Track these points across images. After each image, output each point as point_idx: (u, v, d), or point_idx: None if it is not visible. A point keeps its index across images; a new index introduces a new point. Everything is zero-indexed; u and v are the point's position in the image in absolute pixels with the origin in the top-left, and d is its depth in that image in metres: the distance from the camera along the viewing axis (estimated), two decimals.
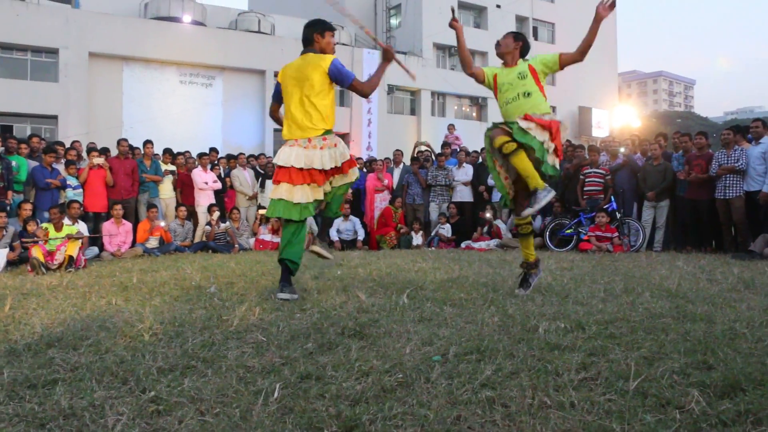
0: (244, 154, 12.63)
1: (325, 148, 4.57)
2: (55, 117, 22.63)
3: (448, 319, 3.49)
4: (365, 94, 4.68)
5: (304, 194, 4.54)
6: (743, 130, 9.40)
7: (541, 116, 4.48)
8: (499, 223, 10.95)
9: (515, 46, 4.80)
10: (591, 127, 36.20)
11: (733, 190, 8.70)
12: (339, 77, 4.58)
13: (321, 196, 4.68)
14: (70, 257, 7.84)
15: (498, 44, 4.87)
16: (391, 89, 30.06)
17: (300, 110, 4.57)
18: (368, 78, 4.74)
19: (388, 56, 4.78)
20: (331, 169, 4.62)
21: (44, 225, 8.09)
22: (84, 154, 11.01)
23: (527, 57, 4.86)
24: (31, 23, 22.20)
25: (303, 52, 4.69)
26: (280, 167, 4.57)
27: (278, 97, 4.83)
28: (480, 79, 4.83)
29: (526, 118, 4.43)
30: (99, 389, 2.35)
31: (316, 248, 4.96)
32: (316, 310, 3.83)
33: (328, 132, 4.63)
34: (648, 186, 9.70)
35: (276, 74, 5.15)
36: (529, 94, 4.60)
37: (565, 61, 4.74)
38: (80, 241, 8.16)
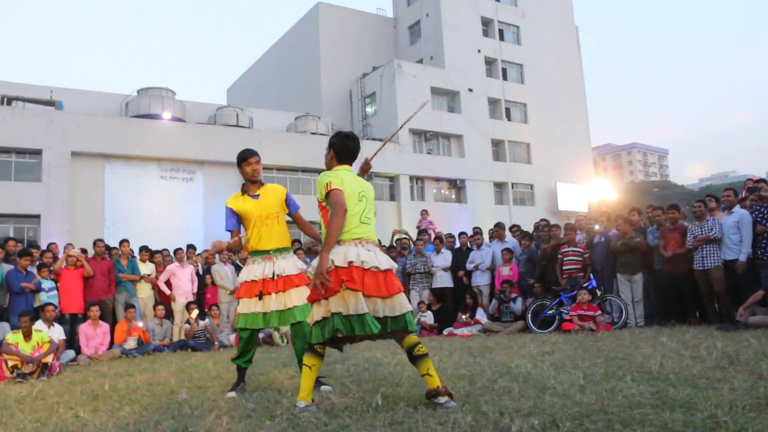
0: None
1: None
2: (37, 216, 22.67)
3: (419, 422, 3.37)
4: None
5: None
6: (716, 199, 9.52)
7: None
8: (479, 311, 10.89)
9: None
10: (557, 203, 36.56)
11: (711, 261, 8.71)
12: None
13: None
14: (44, 364, 7.65)
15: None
16: (370, 176, 30.40)
17: None
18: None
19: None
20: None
21: (9, 336, 7.89)
22: (60, 256, 10.93)
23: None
24: (16, 126, 22.67)
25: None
26: None
27: None
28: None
29: None
30: None
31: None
32: (286, 417, 3.71)
33: None
34: (621, 263, 9.78)
35: None
36: None
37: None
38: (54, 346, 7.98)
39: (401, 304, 3.91)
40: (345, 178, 4.02)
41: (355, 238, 3.92)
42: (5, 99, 24.15)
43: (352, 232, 3.92)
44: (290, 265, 5.05)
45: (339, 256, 3.83)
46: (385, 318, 3.84)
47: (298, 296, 4.91)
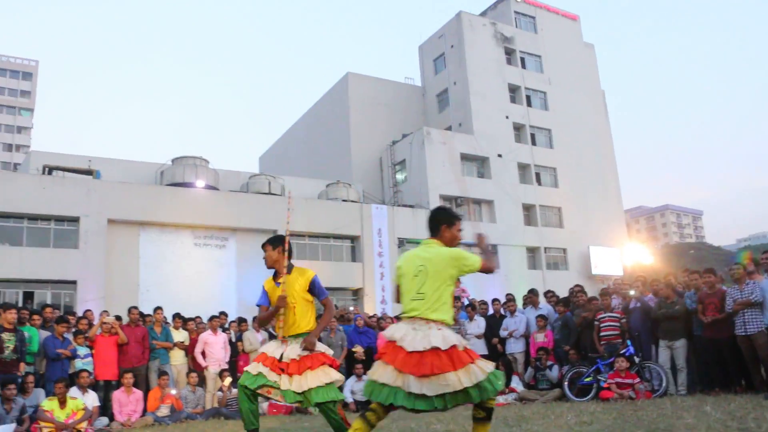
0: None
1: None
2: (74, 282, 23.06)
3: None
4: None
5: None
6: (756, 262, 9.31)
7: None
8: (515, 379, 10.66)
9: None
10: (591, 267, 35.92)
11: (753, 326, 8.42)
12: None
13: None
14: (78, 431, 7.69)
15: None
16: (402, 242, 30.38)
17: None
18: None
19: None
20: None
21: (45, 403, 7.96)
22: (95, 322, 11.06)
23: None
24: (56, 195, 23.37)
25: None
26: None
27: None
28: None
29: None
30: None
31: None
32: None
33: None
34: (662, 329, 9.55)
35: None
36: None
37: None
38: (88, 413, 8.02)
39: (447, 384, 3.88)
40: (406, 257, 4.46)
41: (408, 316, 4.22)
42: (46, 169, 24.97)
43: (405, 311, 4.27)
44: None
45: (389, 330, 4.24)
46: (441, 395, 3.89)
47: (315, 378, 4.83)
